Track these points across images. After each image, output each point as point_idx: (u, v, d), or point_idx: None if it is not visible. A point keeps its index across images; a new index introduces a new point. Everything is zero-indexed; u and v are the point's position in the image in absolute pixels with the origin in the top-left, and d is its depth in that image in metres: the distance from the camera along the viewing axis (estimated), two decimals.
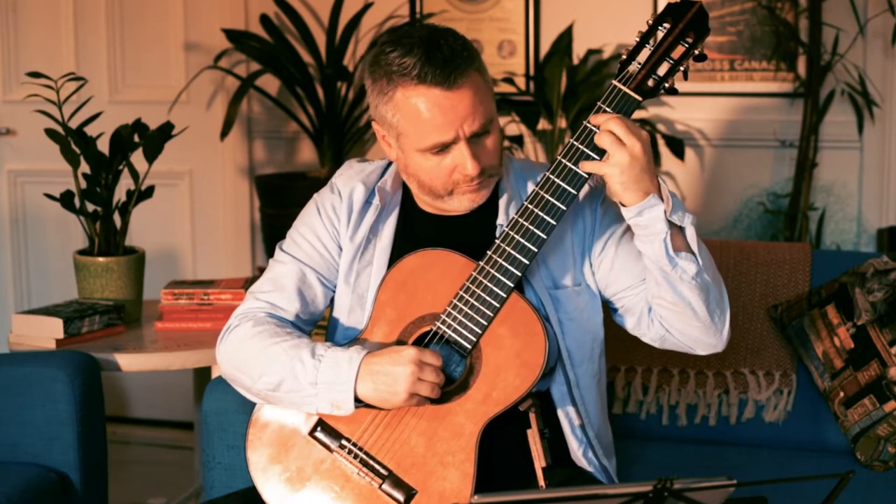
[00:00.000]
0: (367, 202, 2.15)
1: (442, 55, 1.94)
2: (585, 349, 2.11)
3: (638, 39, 1.95)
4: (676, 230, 1.94)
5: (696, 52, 1.93)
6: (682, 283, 1.94)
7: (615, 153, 1.88)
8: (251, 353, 2.05)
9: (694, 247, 1.94)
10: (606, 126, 1.90)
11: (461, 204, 2.05)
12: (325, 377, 1.96)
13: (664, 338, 2.06)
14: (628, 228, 2.06)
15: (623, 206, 1.94)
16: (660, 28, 1.94)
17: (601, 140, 1.90)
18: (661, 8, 3.66)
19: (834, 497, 1.59)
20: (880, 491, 2.43)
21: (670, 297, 1.96)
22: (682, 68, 1.94)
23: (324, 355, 1.97)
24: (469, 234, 2.09)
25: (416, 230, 2.13)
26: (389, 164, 2.20)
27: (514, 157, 2.20)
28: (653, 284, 1.99)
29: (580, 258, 2.11)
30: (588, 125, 1.94)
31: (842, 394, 2.56)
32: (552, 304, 2.07)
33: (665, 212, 1.91)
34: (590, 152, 1.93)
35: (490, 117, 2.00)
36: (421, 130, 1.98)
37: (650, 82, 1.93)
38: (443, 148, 1.98)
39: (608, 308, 2.16)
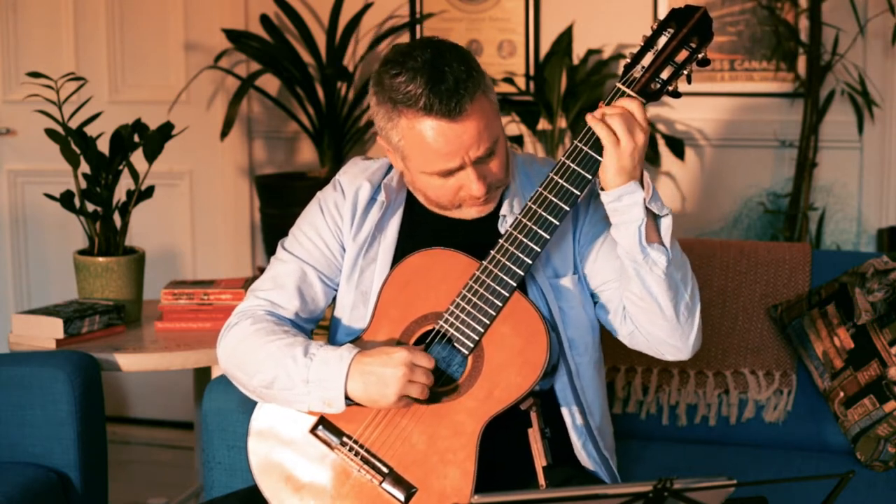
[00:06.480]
0: (372, 199, 2.16)
1: (447, 85, 1.93)
2: (587, 338, 2.13)
3: (642, 43, 1.96)
4: (652, 223, 1.96)
5: (700, 56, 1.94)
6: (651, 276, 1.96)
7: (624, 137, 1.91)
8: (248, 351, 2.06)
9: (667, 240, 1.96)
10: (617, 111, 1.92)
11: (469, 214, 2.09)
12: (316, 375, 1.97)
13: (633, 334, 2.08)
14: None
15: (603, 190, 1.95)
16: (664, 33, 1.95)
17: (614, 122, 1.91)
18: (661, 9, 3.71)
19: (834, 497, 1.59)
20: (880, 491, 2.43)
21: (638, 289, 1.98)
22: (685, 72, 1.95)
23: (315, 353, 1.98)
24: (472, 232, 2.11)
25: (421, 228, 2.15)
26: None
27: (517, 154, 2.21)
28: (624, 277, 2.02)
29: (575, 248, 2.13)
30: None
31: (842, 394, 2.56)
32: (553, 293, 2.09)
33: (644, 199, 1.92)
34: (594, 154, 1.94)
35: (496, 138, 2.00)
36: (426, 157, 1.99)
37: (653, 85, 1.95)
38: (449, 172, 2.00)
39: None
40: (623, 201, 1.93)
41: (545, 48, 3.87)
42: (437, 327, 2.00)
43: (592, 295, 2.15)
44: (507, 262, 1.97)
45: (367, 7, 3.96)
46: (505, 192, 2.12)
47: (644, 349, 2.09)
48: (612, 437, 2.23)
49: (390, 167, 2.20)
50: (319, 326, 2.29)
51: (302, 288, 2.15)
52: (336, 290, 2.18)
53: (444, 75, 1.93)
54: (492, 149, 2.00)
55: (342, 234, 2.16)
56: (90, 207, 3.11)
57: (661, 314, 2.00)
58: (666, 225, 1.97)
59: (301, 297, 2.15)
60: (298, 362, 1.98)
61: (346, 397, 1.96)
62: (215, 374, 3.03)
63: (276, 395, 2.02)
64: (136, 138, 3.10)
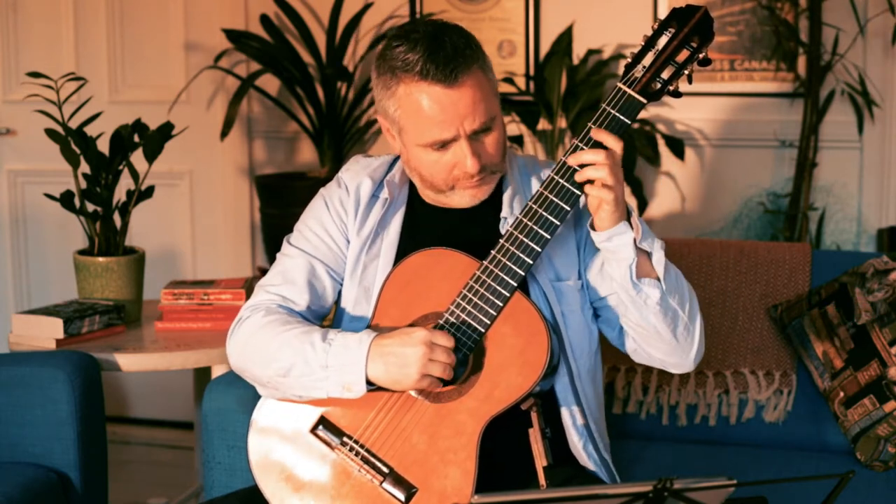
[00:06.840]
0: (374, 196, 2.17)
1: (445, 52, 1.96)
2: (585, 343, 2.14)
3: (643, 43, 1.96)
4: (644, 256, 1.99)
5: (701, 56, 1.95)
6: (647, 308, 1.99)
7: (617, 188, 1.92)
8: (262, 341, 2.05)
9: (660, 272, 1.98)
10: (603, 161, 1.91)
11: (463, 199, 2.08)
12: (335, 360, 1.96)
13: (635, 351, 2.11)
14: None
15: (593, 230, 1.98)
16: (665, 32, 1.95)
17: (605, 176, 1.91)
18: (661, 9, 3.71)
19: (834, 497, 1.59)
20: (880, 491, 2.43)
21: (635, 319, 2.02)
22: (686, 72, 1.95)
23: (334, 339, 1.99)
24: (474, 229, 2.11)
25: (423, 224, 2.15)
26: (396, 158, 2.21)
27: (517, 154, 2.22)
28: (620, 304, 2.04)
29: (580, 255, 2.13)
30: (592, 126, 1.95)
31: (842, 394, 2.56)
32: (555, 296, 2.09)
33: (634, 239, 1.95)
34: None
35: (492, 115, 2.02)
36: (421, 126, 2.00)
37: (654, 85, 1.95)
38: (443, 144, 2.01)
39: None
40: (613, 241, 1.96)
41: (545, 48, 3.87)
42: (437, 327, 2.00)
43: (597, 308, 2.15)
44: (507, 262, 1.97)
45: (367, 7, 3.96)
46: (504, 186, 2.13)
47: (648, 364, 2.12)
48: (608, 442, 2.23)
49: (392, 164, 2.21)
50: (321, 326, 2.29)
51: (312, 282, 2.15)
52: (342, 285, 2.18)
53: (444, 44, 1.97)
54: (488, 125, 2.01)
55: (347, 228, 2.16)
56: (90, 207, 3.11)
57: (660, 338, 2.03)
58: (657, 258, 1.98)
59: (312, 290, 2.15)
60: (317, 348, 1.98)
61: (367, 382, 1.96)
62: (215, 374, 3.03)
63: (293, 384, 2.02)
64: (136, 138, 3.10)
